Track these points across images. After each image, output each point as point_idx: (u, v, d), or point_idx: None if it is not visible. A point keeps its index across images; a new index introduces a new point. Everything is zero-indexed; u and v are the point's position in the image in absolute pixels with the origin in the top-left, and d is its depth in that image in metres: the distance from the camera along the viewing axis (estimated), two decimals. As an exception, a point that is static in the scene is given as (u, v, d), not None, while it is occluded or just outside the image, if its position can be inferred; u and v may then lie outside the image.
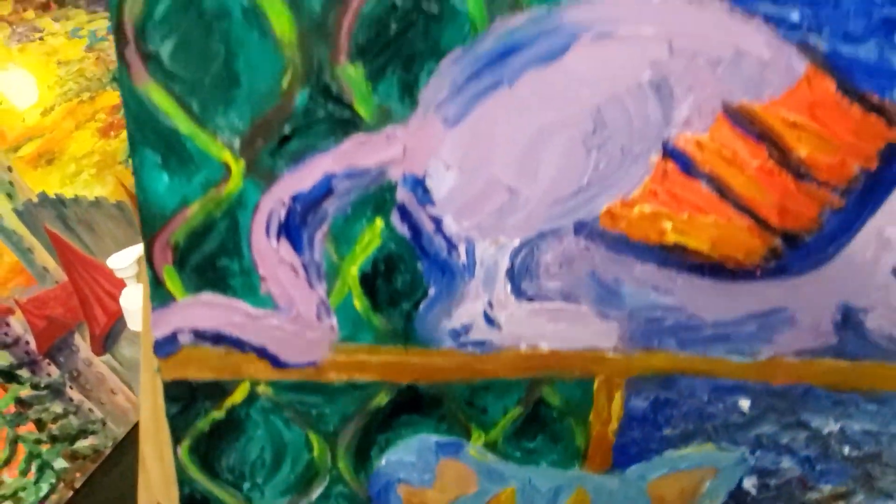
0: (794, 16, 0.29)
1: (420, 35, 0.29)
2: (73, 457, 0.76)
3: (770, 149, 0.31)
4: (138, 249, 0.72)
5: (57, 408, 0.76)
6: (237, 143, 0.30)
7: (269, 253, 0.32)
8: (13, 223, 0.75)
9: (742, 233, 0.32)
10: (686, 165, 0.31)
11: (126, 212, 0.86)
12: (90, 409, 0.80)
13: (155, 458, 0.38)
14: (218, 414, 0.35)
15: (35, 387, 0.75)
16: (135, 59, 0.29)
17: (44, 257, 0.78)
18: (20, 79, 0.77)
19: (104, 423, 0.80)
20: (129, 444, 0.80)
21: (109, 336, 0.85)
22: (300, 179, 0.31)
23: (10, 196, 0.74)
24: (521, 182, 0.31)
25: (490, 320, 0.34)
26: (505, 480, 0.38)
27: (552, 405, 0.36)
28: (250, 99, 0.29)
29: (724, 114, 0.30)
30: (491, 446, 0.37)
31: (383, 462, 0.37)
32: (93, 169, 0.82)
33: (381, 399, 0.35)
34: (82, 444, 0.78)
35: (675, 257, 0.33)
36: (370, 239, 0.32)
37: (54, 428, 0.75)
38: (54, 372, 0.77)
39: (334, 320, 0.34)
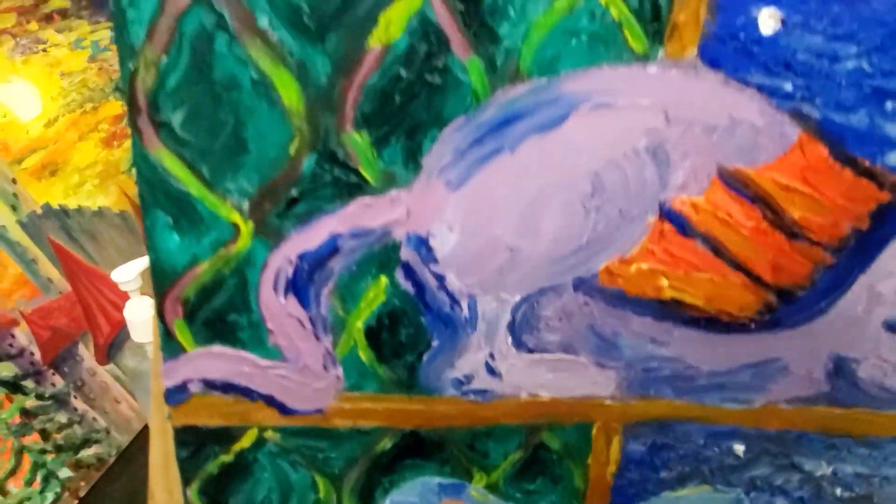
0: (788, 86, 0.30)
1: (423, 105, 0.30)
2: (77, 466, 0.78)
3: (764, 210, 0.32)
4: (142, 262, 0.74)
5: (61, 417, 0.78)
6: (246, 205, 0.32)
7: (276, 308, 0.34)
8: (17, 235, 0.76)
9: (737, 289, 0.34)
10: (682, 226, 0.33)
11: (129, 221, 0.88)
12: (94, 419, 0.82)
13: (165, 498, 0.40)
14: (226, 457, 0.37)
15: (40, 397, 0.77)
16: (147, 127, 0.30)
17: (48, 268, 0.80)
18: (24, 91, 0.79)
19: (108, 432, 0.83)
20: (132, 452, 0.82)
21: (113, 345, 0.87)
22: (307, 239, 0.32)
23: (14, 208, 0.76)
24: (522, 242, 0.33)
25: (492, 370, 0.36)
26: (505, 518, 0.40)
27: (552, 449, 0.38)
28: (259, 164, 0.31)
29: (719, 177, 0.32)
30: (492, 488, 0.39)
31: (388, 503, 0.39)
32: (96, 179, 0.84)
33: (385, 443, 0.37)
34: (86, 453, 0.80)
35: (671, 311, 0.35)
36: (375, 295, 0.34)
37: (59, 438, 0.78)
38: (59, 382, 0.79)
39: (340, 371, 0.35)
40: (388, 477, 0.38)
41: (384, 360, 0.35)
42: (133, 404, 0.86)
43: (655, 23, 0.30)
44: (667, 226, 0.33)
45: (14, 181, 0.77)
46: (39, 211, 0.80)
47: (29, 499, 0.73)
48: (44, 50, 0.79)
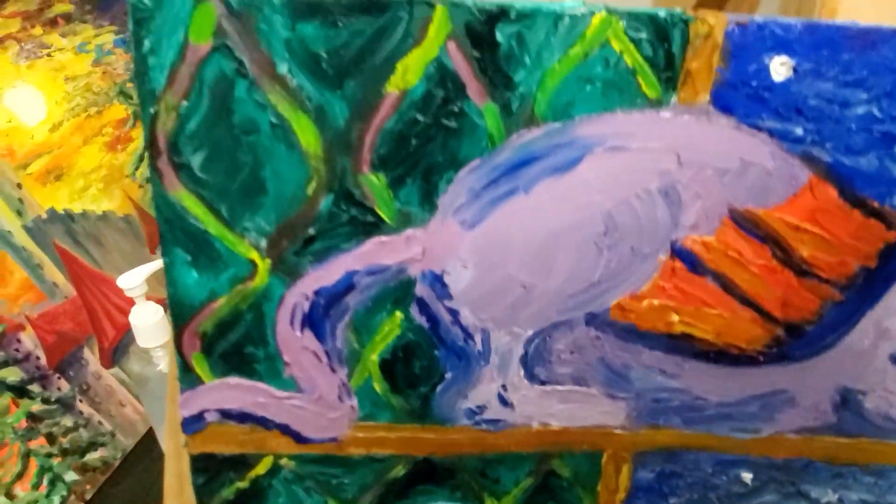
0: (798, 130, 0.32)
1: (439, 147, 0.32)
2: (83, 469, 0.79)
3: (773, 249, 0.34)
4: (147, 268, 0.75)
5: (67, 421, 0.80)
6: (264, 243, 0.33)
7: (293, 341, 0.35)
8: (23, 240, 0.78)
9: (746, 323, 0.35)
10: (693, 264, 0.34)
11: (133, 225, 0.89)
12: (99, 422, 0.84)
13: (181, 520, 0.41)
14: (242, 484, 0.39)
15: (46, 401, 0.79)
16: (167, 169, 0.31)
17: (53, 273, 0.81)
18: (29, 96, 0.80)
19: (113, 436, 0.84)
20: (137, 455, 0.84)
21: (118, 349, 0.88)
22: (323, 276, 0.34)
23: (19, 213, 0.77)
24: (535, 279, 0.34)
25: (504, 401, 0.37)
26: (515, 541, 0.41)
27: (562, 476, 0.39)
28: (277, 204, 0.32)
29: (730, 218, 0.33)
30: (503, 513, 0.40)
31: (400, 527, 0.40)
32: (100, 183, 0.85)
33: (399, 470, 0.39)
34: (92, 456, 0.81)
35: (681, 345, 0.36)
36: (390, 329, 0.35)
37: (65, 441, 0.79)
38: (64, 386, 0.81)
39: (355, 401, 0.37)
40: (401, 502, 0.40)
41: (398, 391, 0.37)
42: (138, 408, 0.87)
43: (669, 70, 0.31)
44: (678, 264, 0.34)
45: (19, 186, 0.79)
46: (45, 216, 0.81)
47: (36, 502, 0.75)
48: (48, 54, 0.80)
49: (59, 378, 0.81)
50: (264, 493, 0.39)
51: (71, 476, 0.79)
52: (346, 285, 0.34)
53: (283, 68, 0.30)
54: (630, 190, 0.33)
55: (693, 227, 0.33)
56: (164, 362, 0.75)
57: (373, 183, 0.32)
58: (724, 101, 0.31)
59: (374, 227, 0.33)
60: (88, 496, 0.80)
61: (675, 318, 0.35)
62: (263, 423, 0.37)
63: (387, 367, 0.36)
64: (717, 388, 0.37)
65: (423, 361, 0.36)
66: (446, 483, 0.39)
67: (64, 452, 0.79)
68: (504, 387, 0.37)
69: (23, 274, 0.78)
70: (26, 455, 0.76)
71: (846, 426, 0.38)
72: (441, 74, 0.30)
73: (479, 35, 0.30)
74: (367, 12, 0.29)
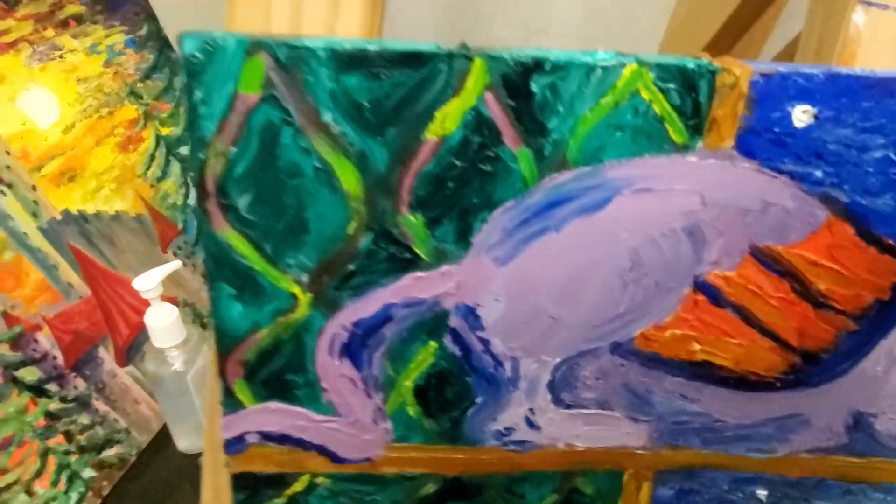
0: (818, 173, 0.34)
1: (475, 190, 0.34)
2: (100, 466, 0.82)
3: (792, 283, 0.36)
4: (162, 270, 0.77)
5: (84, 419, 0.82)
6: (305, 278, 0.35)
7: (331, 369, 0.37)
8: (38, 241, 0.80)
9: (764, 352, 0.38)
10: (714, 297, 0.36)
11: (145, 224, 0.91)
12: (115, 420, 0.86)
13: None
14: (280, 501, 0.41)
15: (63, 400, 0.81)
16: (215, 210, 0.34)
17: (68, 273, 0.83)
18: (42, 98, 0.81)
19: (129, 433, 0.87)
20: (152, 451, 0.86)
21: (132, 347, 0.91)
22: (362, 309, 0.36)
23: (35, 215, 0.79)
24: (563, 310, 0.36)
25: (531, 424, 0.40)
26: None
27: (585, 493, 0.42)
28: (318, 243, 0.34)
29: (751, 254, 0.35)
30: (528, 527, 0.43)
31: (429, 541, 0.43)
32: (113, 184, 0.87)
33: (429, 488, 0.41)
34: (108, 453, 0.84)
35: (702, 371, 0.38)
36: (424, 357, 0.38)
37: (82, 439, 0.81)
38: (81, 385, 0.83)
39: (389, 424, 0.39)
40: (431, 518, 0.42)
41: (430, 414, 0.39)
42: (152, 405, 0.90)
43: (695, 118, 0.33)
44: (700, 297, 0.36)
45: (34, 188, 0.81)
46: (59, 217, 0.83)
47: (55, 499, 0.77)
48: (60, 56, 0.82)
49: (75, 377, 0.84)
50: (300, 509, 0.42)
51: (88, 473, 0.81)
52: (384, 317, 0.36)
53: (327, 116, 0.32)
54: (656, 228, 0.35)
55: (715, 263, 0.35)
56: (179, 362, 0.78)
57: (411, 223, 0.34)
58: (747, 145, 0.33)
59: (411, 263, 0.35)
60: (105, 492, 0.83)
61: (697, 346, 0.37)
62: (301, 444, 0.39)
63: (420, 392, 0.38)
64: (735, 411, 0.39)
65: (455, 387, 0.38)
66: (474, 500, 0.42)
67: (81, 450, 0.82)
68: (531, 410, 0.39)
69: (39, 275, 0.80)
70: (45, 453, 0.78)
71: (858, 446, 0.40)
72: (478, 122, 0.32)
73: (515, 85, 0.32)
74: (408, 65, 0.31)
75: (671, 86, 0.32)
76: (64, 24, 0.83)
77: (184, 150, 0.94)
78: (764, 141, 0.33)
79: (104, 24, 0.86)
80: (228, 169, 0.33)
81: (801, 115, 0.32)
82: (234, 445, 0.39)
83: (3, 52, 0.79)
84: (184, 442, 0.82)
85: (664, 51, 0.67)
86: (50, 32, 0.82)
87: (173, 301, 0.90)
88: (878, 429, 0.40)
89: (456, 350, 0.37)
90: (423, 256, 0.35)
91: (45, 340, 0.80)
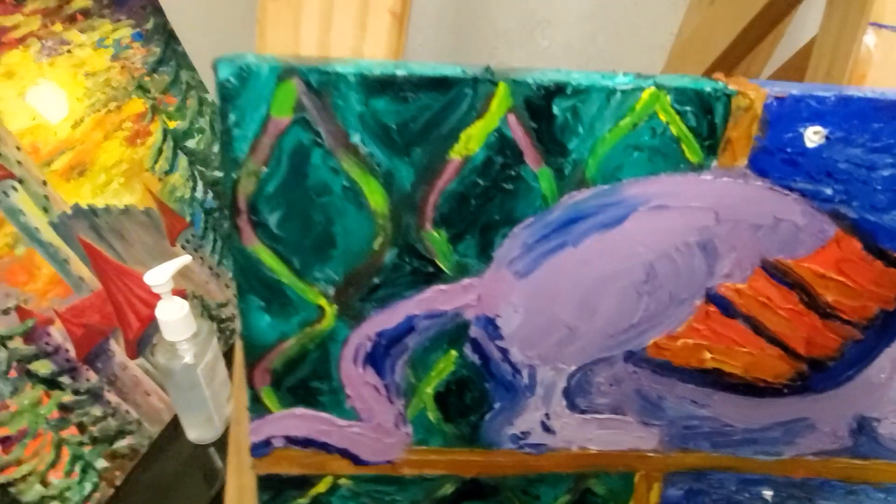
0: (828, 191, 0.35)
1: (497, 207, 0.35)
2: (113, 456, 0.83)
3: (801, 295, 0.38)
4: (173, 265, 0.79)
5: (97, 411, 0.84)
6: (331, 291, 0.37)
7: (355, 377, 0.39)
8: (49, 236, 0.81)
9: (773, 360, 0.39)
10: (726, 308, 0.38)
11: (154, 218, 0.92)
12: (127, 411, 0.88)
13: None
14: (303, 501, 0.43)
15: (76, 392, 0.83)
16: (246, 226, 0.35)
17: (79, 267, 0.85)
18: (51, 93, 0.82)
19: (140, 424, 0.88)
20: (163, 442, 0.88)
21: (143, 339, 0.92)
22: (386, 320, 0.38)
23: (45, 210, 0.80)
24: (580, 321, 0.38)
25: (547, 428, 0.41)
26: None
27: (597, 493, 0.44)
28: (345, 257, 0.36)
29: (762, 267, 0.37)
30: (542, 526, 0.45)
31: (447, 539, 0.45)
32: (121, 178, 0.88)
33: (447, 488, 0.43)
34: (121, 444, 0.85)
35: (712, 378, 0.40)
36: (445, 365, 0.39)
37: (95, 430, 0.83)
38: (93, 377, 0.85)
39: (410, 428, 0.41)
40: (449, 517, 0.44)
41: (450, 419, 0.41)
42: (163, 396, 0.91)
43: (711, 139, 0.34)
44: (712, 308, 0.38)
45: (45, 183, 0.82)
46: (69, 212, 0.85)
47: (69, 489, 0.79)
48: (68, 51, 0.83)
49: (87, 369, 0.85)
50: (323, 509, 0.44)
51: (101, 463, 0.83)
52: (407, 328, 0.38)
53: (355, 138, 0.33)
54: (671, 243, 0.36)
55: (727, 276, 0.37)
56: (190, 355, 0.79)
57: (434, 238, 0.36)
58: (760, 164, 0.35)
59: (434, 276, 0.37)
60: (118, 482, 0.85)
61: (708, 355, 0.39)
62: (325, 447, 0.41)
63: (440, 398, 0.40)
64: (743, 416, 0.41)
65: (473, 393, 0.40)
66: (491, 500, 0.44)
67: (94, 441, 0.84)
68: (547, 415, 0.41)
69: (50, 269, 0.82)
70: (59, 444, 0.80)
71: (861, 449, 0.42)
72: (501, 143, 0.34)
73: (538, 108, 0.33)
74: (434, 89, 0.33)
75: (688, 108, 0.34)
76: (71, 19, 0.84)
77: (191, 143, 0.95)
78: (776, 160, 0.35)
79: (111, 17, 0.87)
80: (260, 188, 0.34)
81: (813, 136, 0.34)
82: (261, 449, 0.41)
83: (12, 48, 0.80)
84: (194, 433, 0.84)
85: (673, 61, 0.68)
86: (58, 27, 0.83)
87: (182, 294, 0.91)
88: (881, 432, 0.42)
89: (476, 358, 0.39)
90: (445, 270, 0.36)
91: (57, 334, 0.82)
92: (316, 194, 0.34)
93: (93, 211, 0.87)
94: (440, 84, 0.32)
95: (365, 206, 0.35)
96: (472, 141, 0.34)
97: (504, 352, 0.39)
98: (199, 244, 0.96)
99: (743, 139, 0.34)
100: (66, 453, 0.79)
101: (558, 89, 0.33)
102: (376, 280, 0.37)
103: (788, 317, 0.38)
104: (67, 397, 0.81)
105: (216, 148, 0.97)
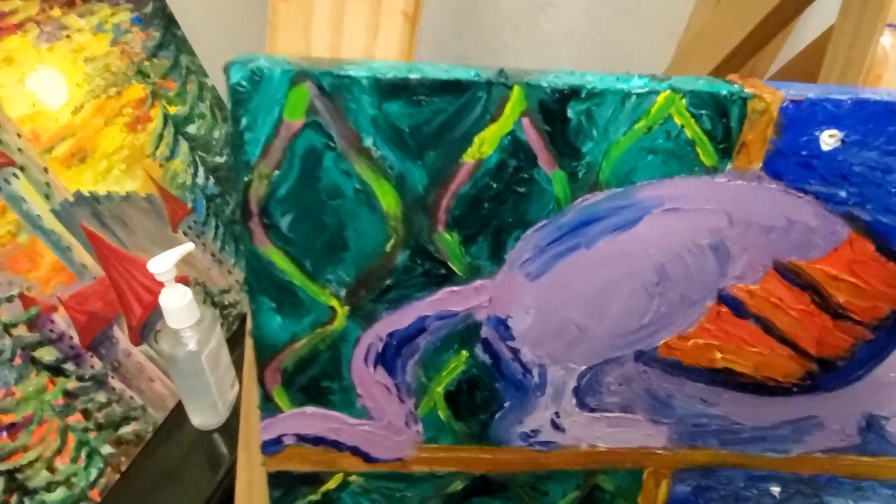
0: (842, 193, 0.35)
1: (510, 210, 0.35)
2: (118, 442, 0.84)
3: (812, 296, 0.38)
4: (175, 252, 0.79)
5: (101, 397, 0.84)
6: (343, 292, 0.37)
7: (366, 376, 0.39)
8: (52, 223, 0.81)
9: (783, 359, 0.40)
10: (737, 309, 0.38)
11: (155, 204, 0.92)
12: (131, 397, 0.88)
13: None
14: (314, 497, 0.44)
15: (80, 379, 0.83)
16: (258, 229, 0.35)
17: (82, 255, 0.85)
18: (50, 79, 0.82)
19: (144, 410, 0.89)
20: (168, 428, 0.88)
21: (146, 326, 0.93)
22: (397, 321, 0.38)
23: (47, 197, 0.80)
24: (590, 321, 0.38)
25: (556, 426, 0.42)
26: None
27: (606, 490, 0.44)
28: (357, 259, 0.36)
29: (774, 269, 0.37)
30: (551, 521, 0.45)
31: (456, 534, 0.45)
32: (122, 164, 0.87)
33: (457, 485, 0.44)
34: (125, 430, 0.86)
35: (722, 378, 0.40)
36: (455, 365, 0.39)
37: (100, 416, 0.84)
38: (97, 364, 0.85)
39: (420, 426, 0.41)
40: (458, 512, 0.45)
41: (460, 417, 0.41)
42: (166, 383, 0.92)
43: (726, 142, 0.34)
44: (724, 308, 0.38)
45: (46, 170, 0.81)
46: (71, 199, 0.84)
47: (75, 475, 0.80)
48: (67, 36, 0.82)
49: (91, 356, 0.86)
50: (333, 505, 0.44)
51: (107, 449, 0.84)
52: (418, 329, 0.38)
53: (368, 141, 0.33)
54: (683, 245, 0.36)
55: (739, 277, 0.37)
56: (193, 342, 0.80)
57: (446, 241, 0.36)
58: (775, 167, 0.35)
59: (445, 278, 0.37)
60: (123, 468, 0.85)
61: (718, 355, 0.39)
62: (336, 445, 0.42)
63: (451, 397, 0.40)
64: (752, 414, 0.41)
65: (484, 392, 0.40)
66: (500, 496, 0.44)
67: (99, 427, 0.84)
68: (557, 414, 0.41)
69: (53, 257, 0.82)
70: (64, 431, 0.81)
71: (869, 447, 0.43)
72: (514, 146, 0.34)
73: (552, 112, 0.33)
74: (448, 92, 0.32)
75: (703, 111, 0.33)
76: (70, 4, 0.83)
77: (191, 129, 0.94)
78: (791, 163, 0.34)
79: (109, 2, 0.86)
80: (272, 191, 0.34)
81: (828, 139, 0.34)
82: (272, 447, 0.41)
83: (10, 33, 0.79)
84: (198, 419, 0.85)
85: (680, 57, 0.67)
86: (56, 12, 0.82)
87: (184, 280, 0.91)
88: (890, 430, 0.42)
89: (486, 358, 0.39)
90: (457, 272, 0.36)
91: (61, 321, 0.82)
92: (328, 197, 0.34)
93: (94, 198, 0.87)
94: (454, 87, 0.32)
95: (377, 209, 0.35)
96: (485, 144, 0.33)
97: (515, 352, 0.39)
98: (200, 230, 0.96)
99: (758, 142, 0.34)
100: (72, 439, 0.80)
101: (573, 93, 0.33)
102: (388, 282, 0.37)
103: (800, 317, 0.38)
104: (72, 384, 0.82)
105: (217, 133, 0.97)
